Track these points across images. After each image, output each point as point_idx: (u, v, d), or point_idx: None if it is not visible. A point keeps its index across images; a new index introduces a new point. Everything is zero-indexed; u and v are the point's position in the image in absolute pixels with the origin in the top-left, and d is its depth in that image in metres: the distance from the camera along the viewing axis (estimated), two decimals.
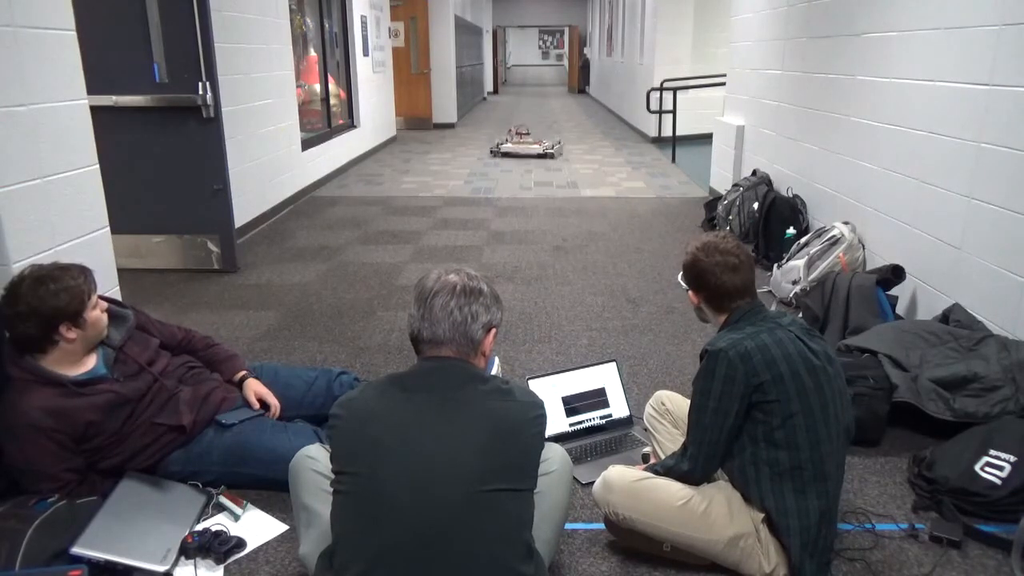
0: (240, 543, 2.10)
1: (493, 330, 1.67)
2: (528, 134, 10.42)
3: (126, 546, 1.98)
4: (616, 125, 14.43)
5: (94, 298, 2.21)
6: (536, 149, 9.75)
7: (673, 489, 1.95)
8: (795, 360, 1.82)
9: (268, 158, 6.15)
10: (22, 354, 2.14)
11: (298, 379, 2.66)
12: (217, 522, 2.19)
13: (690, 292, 2.04)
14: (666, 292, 4.35)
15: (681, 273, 2.08)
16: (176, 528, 2.11)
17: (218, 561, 2.04)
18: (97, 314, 2.21)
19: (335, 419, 1.58)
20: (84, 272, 2.20)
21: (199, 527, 2.15)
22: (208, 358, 2.59)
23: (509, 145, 9.97)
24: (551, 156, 9.52)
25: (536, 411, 1.61)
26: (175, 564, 2.01)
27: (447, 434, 1.51)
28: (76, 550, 1.91)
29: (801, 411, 1.81)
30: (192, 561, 2.03)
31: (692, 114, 9.82)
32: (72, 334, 2.14)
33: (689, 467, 1.94)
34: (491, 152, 9.83)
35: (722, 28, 9.43)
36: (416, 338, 1.63)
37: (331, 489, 1.65)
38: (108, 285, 2.90)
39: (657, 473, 2.02)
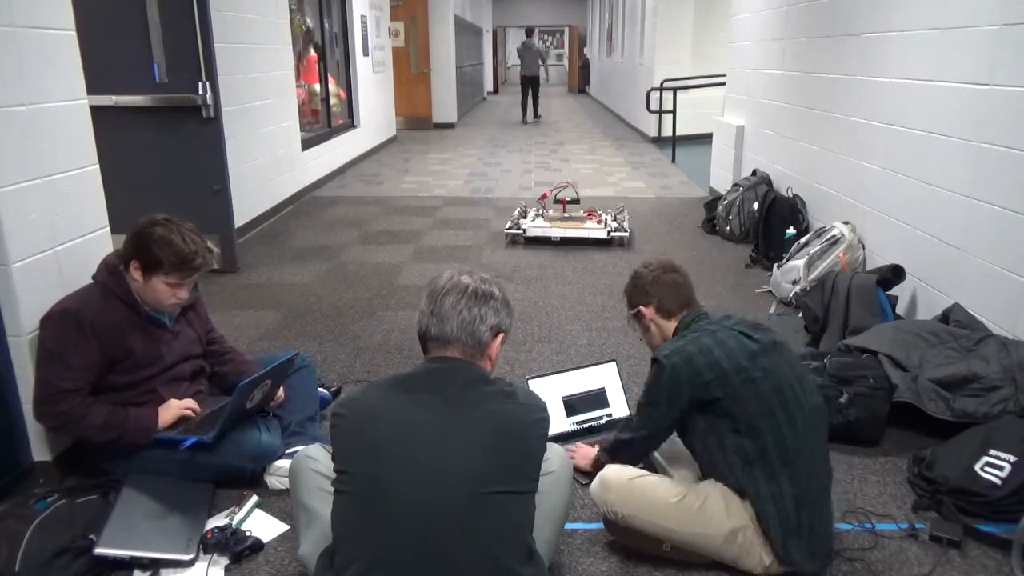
0: (256, 545, 2.10)
1: (501, 335, 1.67)
2: (576, 201, 5.84)
3: (148, 540, 2.01)
4: (616, 125, 14.43)
5: (176, 279, 2.24)
6: (594, 230, 5.39)
7: (669, 486, 1.99)
8: (736, 355, 1.90)
9: (268, 158, 6.15)
10: (126, 265, 2.26)
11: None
12: (227, 514, 2.21)
13: (642, 311, 2.15)
14: None
15: (628, 305, 2.23)
16: (192, 520, 2.13)
17: (233, 560, 2.05)
18: (162, 287, 2.25)
19: (337, 418, 1.58)
20: (199, 258, 2.26)
21: (220, 523, 2.15)
22: (219, 362, 2.65)
23: (540, 223, 5.49)
24: (619, 243, 5.39)
25: (539, 414, 1.62)
26: (197, 555, 2.03)
27: (449, 435, 1.51)
28: (99, 550, 1.93)
29: (754, 401, 1.87)
30: (209, 557, 2.04)
31: (692, 114, 9.82)
32: (135, 275, 2.25)
33: (628, 437, 2.12)
34: (506, 235, 5.49)
35: (722, 28, 9.43)
36: (424, 335, 1.64)
37: (331, 489, 1.65)
38: None
39: (612, 450, 2.19)
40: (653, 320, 2.14)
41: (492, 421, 1.54)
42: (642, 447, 2.15)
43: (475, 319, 1.61)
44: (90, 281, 2.33)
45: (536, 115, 15.18)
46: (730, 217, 5.58)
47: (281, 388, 2.56)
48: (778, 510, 1.86)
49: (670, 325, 2.12)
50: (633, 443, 2.12)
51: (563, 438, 2.59)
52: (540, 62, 15.73)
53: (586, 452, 2.37)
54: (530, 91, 15.00)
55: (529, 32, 15.56)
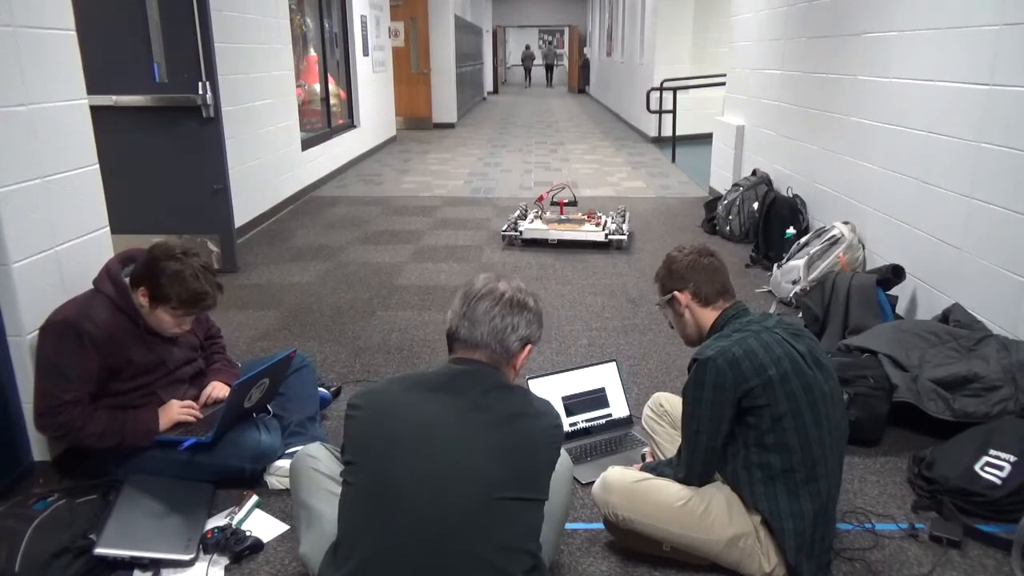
0: (256, 545, 2.10)
1: (529, 346, 1.67)
2: (574, 203, 5.85)
3: (148, 540, 2.01)
4: (616, 125, 14.43)
5: (182, 313, 2.25)
6: (591, 233, 5.30)
7: (672, 490, 1.96)
8: (783, 363, 1.82)
9: (268, 158, 6.15)
10: (134, 286, 2.25)
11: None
12: (227, 514, 2.21)
13: (677, 296, 2.03)
14: None
15: (660, 290, 2.08)
16: (192, 520, 2.13)
17: (233, 560, 2.05)
18: (167, 318, 2.25)
19: (353, 409, 1.58)
20: (209, 298, 2.25)
21: (220, 523, 2.15)
22: (207, 360, 2.64)
23: (538, 224, 5.45)
24: (617, 246, 5.28)
25: (554, 422, 1.62)
26: (197, 555, 2.03)
27: (466, 438, 1.51)
28: (99, 550, 1.93)
29: (790, 413, 1.81)
30: (209, 557, 2.04)
31: (692, 114, 9.82)
32: (141, 299, 2.25)
33: (685, 475, 1.96)
34: (503, 237, 5.47)
35: (722, 28, 9.44)
36: (452, 335, 1.64)
37: (332, 488, 1.64)
38: None
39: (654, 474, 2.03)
40: (689, 307, 2.01)
41: (509, 428, 1.54)
42: (697, 477, 1.96)
43: (507, 328, 1.60)
44: (91, 286, 2.32)
45: (551, 85, 32.08)
46: (730, 217, 5.59)
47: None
48: (796, 528, 1.83)
49: (707, 313, 1.99)
50: (689, 481, 1.96)
51: None
52: (555, 57, 33.02)
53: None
54: (550, 70, 32.49)
55: (549, 41, 33.19)
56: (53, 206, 2.45)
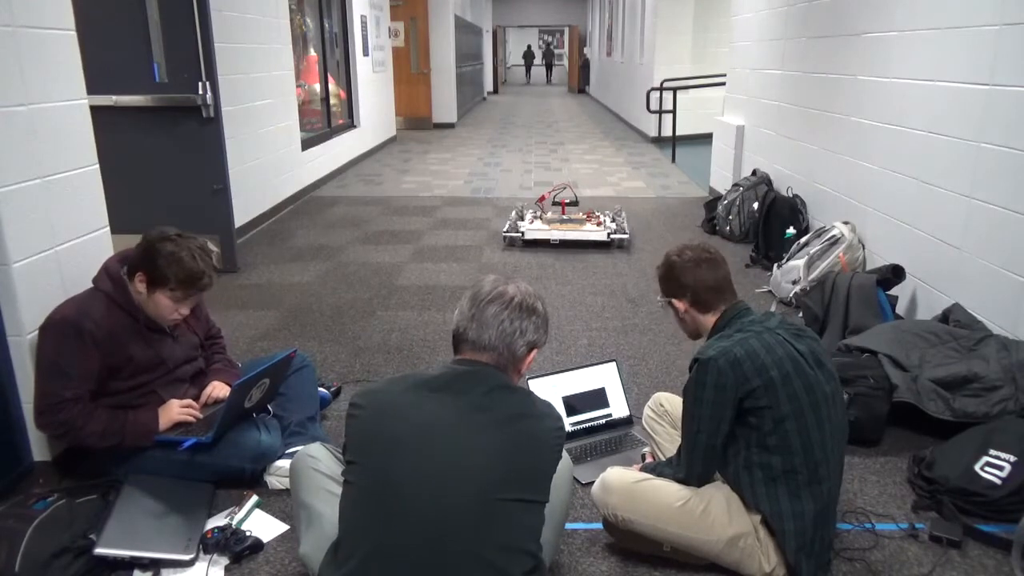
0: (256, 545, 2.10)
1: (535, 351, 1.68)
2: (575, 203, 5.81)
3: (148, 540, 2.01)
4: (616, 125, 14.43)
5: (181, 295, 2.25)
6: (593, 232, 5.33)
7: (672, 490, 1.96)
8: (785, 364, 1.82)
9: (268, 158, 6.15)
10: (131, 273, 2.26)
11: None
12: (227, 514, 2.21)
13: (675, 303, 2.05)
14: None
15: (660, 291, 2.10)
16: (192, 520, 2.13)
17: (233, 560, 2.05)
18: (165, 302, 2.25)
19: (355, 408, 1.58)
20: (205, 277, 2.25)
21: (220, 523, 2.15)
22: (208, 360, 2.64)
23: (539, 225, 5.43)
24: (618, 245, 5.32)
25: (556, 423, 1.62)
26: (197, 555, 2.03)
27: (468, 438, 1.52)
28: (99, 550, 1.93)
29: (792, 415, 1.81)
30: (209, 557, 2.04)
31: (692, 114, 9.82)
32: (139, 286, 2.24)
33: (684, 474, 1.97)
34: (504, 238, 5.45)
35: (722, 28, 9.44)
36: (460, 336, 1.64)
37: (332, 488, 1.64)
38: None
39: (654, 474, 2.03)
40: (688, 312, 2.03)
41: (511, 428, 1.54)
42: (696, 477, 1.97)
43: (515, 332, 1.61)
44: (90, 285, 2.33)
45: (550, 82, 33.87)
46: (730, 217, 5.59)
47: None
48: (797, 528, 1.83)
49: (707, 318, 2.00)
50: (688, 481, 1.97)
51: None
52: (554, 57, 35.15)
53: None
54: (550, 69, 34.49)
55: (548, 42, 35.90)
56: (53, 206, 2.45)
